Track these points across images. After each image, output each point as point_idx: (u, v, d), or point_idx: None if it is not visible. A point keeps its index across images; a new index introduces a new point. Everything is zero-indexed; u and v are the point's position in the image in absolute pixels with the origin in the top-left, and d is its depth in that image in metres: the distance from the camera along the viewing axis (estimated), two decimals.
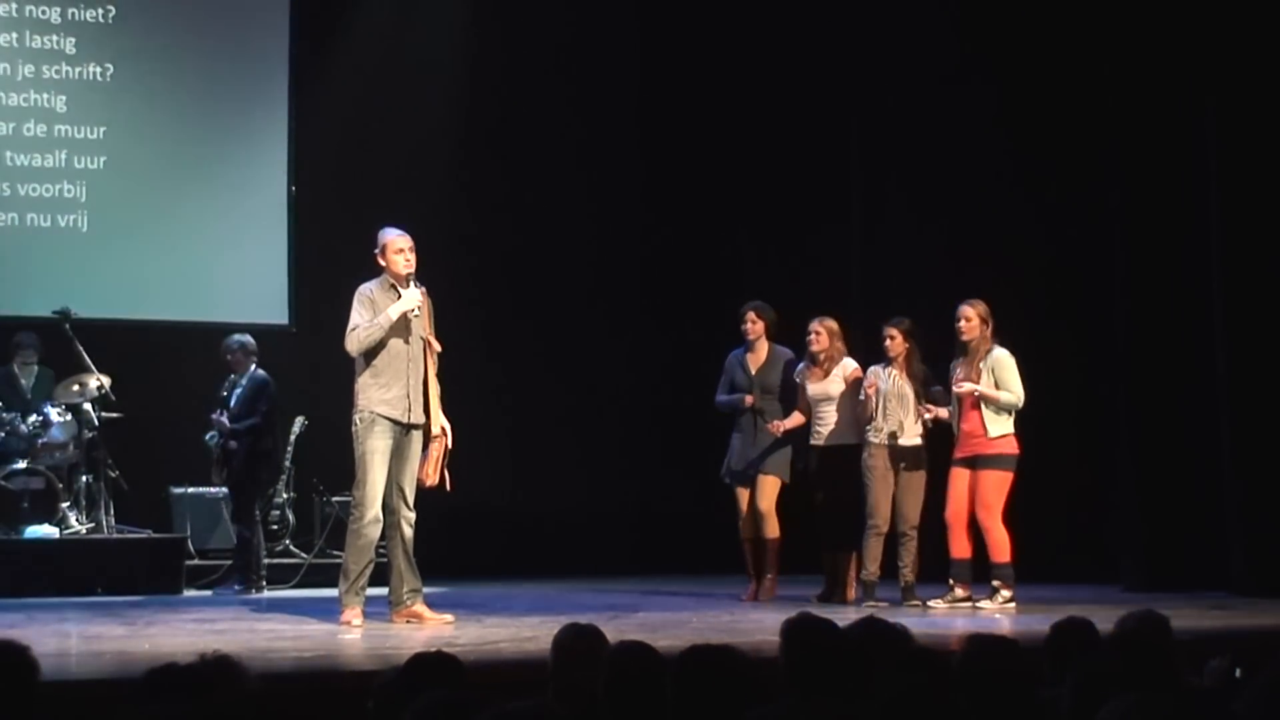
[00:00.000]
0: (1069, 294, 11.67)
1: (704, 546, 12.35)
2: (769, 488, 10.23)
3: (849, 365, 10.09)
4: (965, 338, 9.59)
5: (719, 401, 10.54)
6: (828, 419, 10.06)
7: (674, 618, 8.76)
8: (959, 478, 9.59)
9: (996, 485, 9.49)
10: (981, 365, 9.51)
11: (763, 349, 10.40)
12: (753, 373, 10.36)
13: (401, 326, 8.49)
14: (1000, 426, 9.50)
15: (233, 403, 11.30)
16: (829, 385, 10.04)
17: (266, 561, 11.46)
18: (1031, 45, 11.72)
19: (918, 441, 9.77)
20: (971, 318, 9.56)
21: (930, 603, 9.55)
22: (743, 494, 10.34)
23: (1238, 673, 4.44)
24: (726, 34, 13.30)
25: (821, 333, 10.08)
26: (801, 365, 10.20)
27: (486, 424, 11.68)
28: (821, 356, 10.09)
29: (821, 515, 10.15)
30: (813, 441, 10.12)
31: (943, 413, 9.63)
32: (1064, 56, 11.56)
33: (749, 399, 10.28)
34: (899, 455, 9.78)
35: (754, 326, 10.36)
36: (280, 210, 12.70)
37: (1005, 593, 9.40)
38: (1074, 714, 3.65)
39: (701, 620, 8.66)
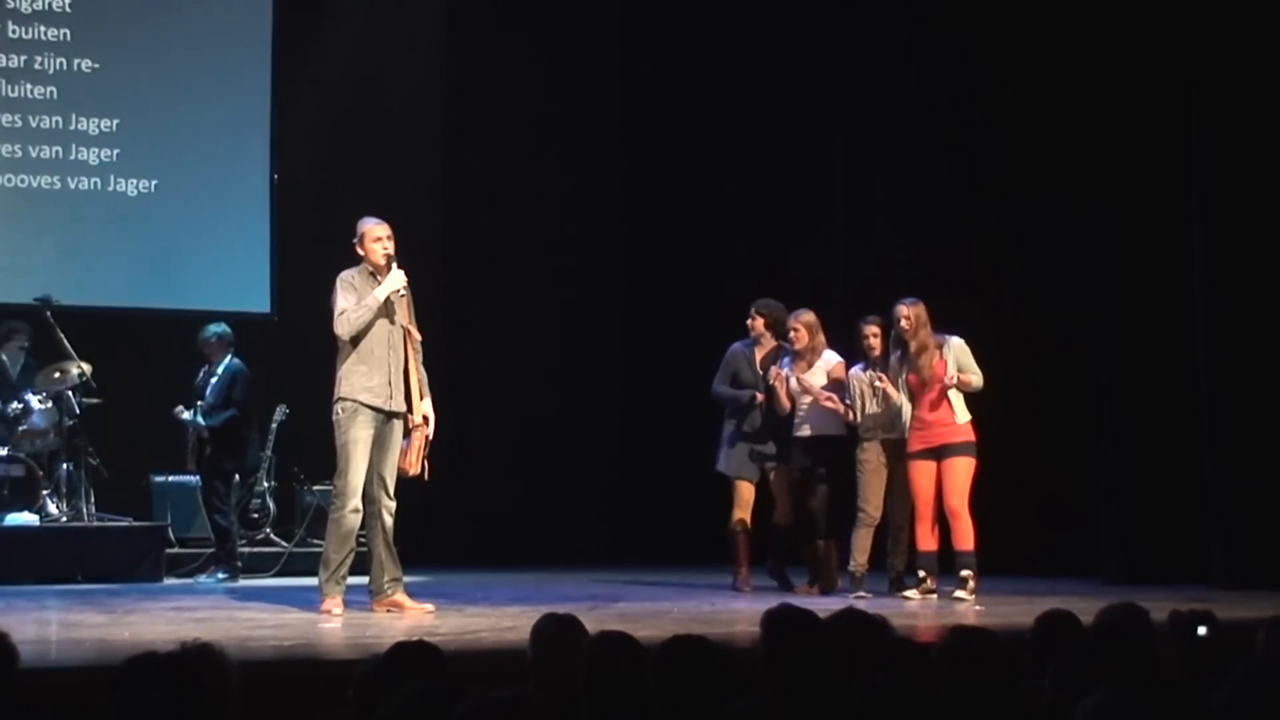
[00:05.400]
0: (1053, 286, 11.66)
1: (685, 537, 12.36)
2: (784, 477, 10.27)
3: (831, 359, 10.11)
4: (906, 338, 9.67)
5: (719, 393, 10.49)
6: (806, 411, 10.07)
7: (654, 608, 8.75)
8: (923, 470, 9.64)
9: (966, 472, 9.58)
10: (945, 356, 9.59)
11: (769, 344, 10.41)
12: (759, 369, 10.36)
13: (384, 314, 8.49)
14: (966, 412, 9.64)
15: (208, 393, 11.28)
16: (810, 378, 10.05)
17: (247, 550, 11.48)
18: (1018, 47, 11.70)
19: (901, 434, 9.79)
20: (910, 316, 9.63)
21: (905, 594, 9.58)
22: (747, 487, 10.32)
23: (1201, 630, 4.45)
24: (710, 27, 13.28)
25: (800, 329, 10.12)
26: (787, 360, 10.21)
27: (467, 414, 11.66)
28: (803, 352, 10.11)
29: (805, 506, 10.16)
30: (796, 433, 10.13)
31: (894, 392, 9.67)
32: (1050, 58, 11.55)
33: (760, 396, 10.26)
34: (891, 449, 9.80)
35: (753, 323, 10.40)
36: (262, 198, 12.69)
37: (972, 583, 9.44)
38: (1054, 706, 3.65)
39: (682, 610, 8.65)
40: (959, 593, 9.40)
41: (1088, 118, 11.25)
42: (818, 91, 12.98)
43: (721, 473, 10.45)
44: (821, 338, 10.20)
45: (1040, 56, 11.59)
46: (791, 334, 10.15)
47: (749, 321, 10.45)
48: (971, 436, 9.62)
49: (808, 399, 10.06)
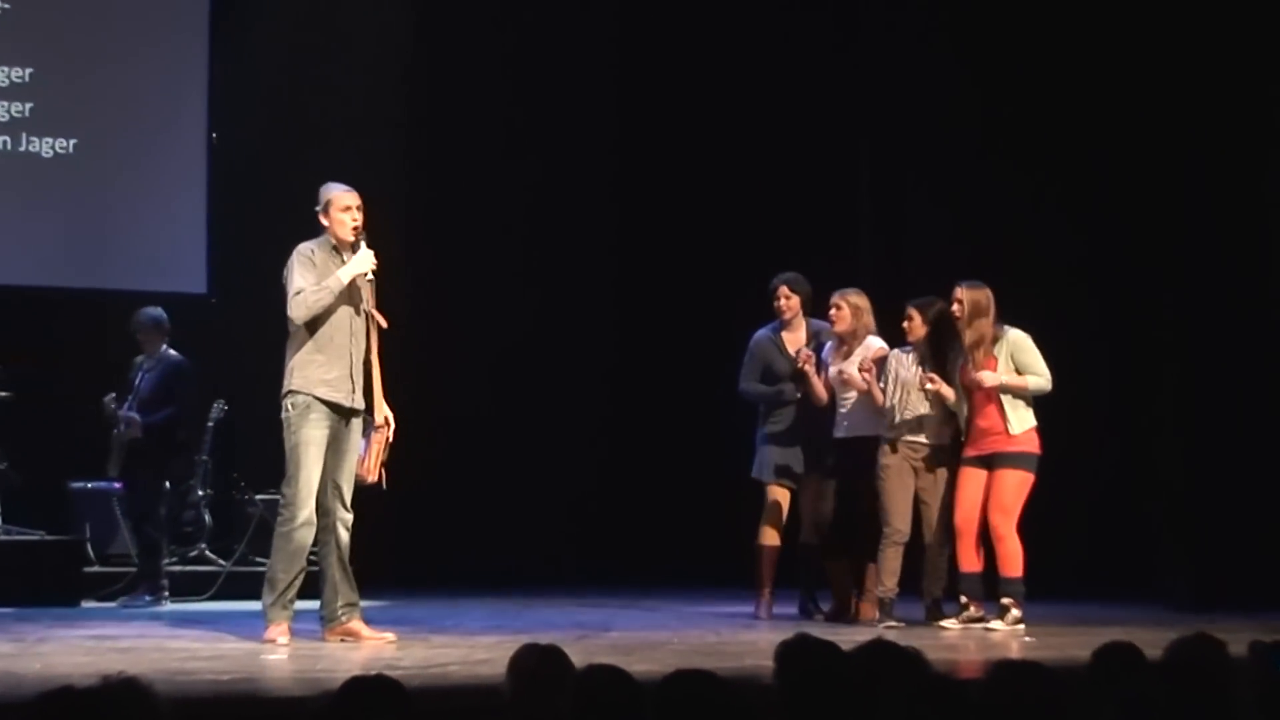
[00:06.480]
0: (1113, 280, 11.67)
1: (688, 556, 12.35)
2: (815, 488, 10.23)
3: (873, 345, 10.04)
4: (959, 326, 9.59)
5: (749, 392, 10.43)
6: (848, 407, 10.01)
7: (652, 638, 8.77)
8: (971, 479, 9.58)
9: (1016, 487, 9.50)
10: (997, 351, 9.52)
11: (800, 327, 10.32)
12: (793, 356, 10.28)
13: (347, 296, 8.47)
14: (1023, 420, 9.52)
15: (140, 388, 11.24)
16: (850, 368, 9.98)
17: (178, 569, 11.47)
18: (1067, 24, 11.78)
19: (944, 440, 9.74)
20: (962, 300, 9.56)
21: (943, 623, 9.58)
22: (780, 493, 10.28)
23: None
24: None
25: (843, 308, 10.02)
26: (828, 345, 10.17)
27: (435, 415, 11.66)
28: (845, 335, 10.06)
29: (837, 519, 10.13)
30: (834, 434, 10.08)
31: (948, 391, 9.60)
32: (1106, 31, 11.61)
33: (821, 392, 10.19)
34: (921, 454, 9.78)
35: (789, 303, 10.29)
36: (198, 161, 12.66)
37: (1016, 611, 9.42)
38: None
39: (684, 641, 8.67)
40: (994, 623, 9.39)
41: (1150, 94, 11.30)
42: (841, 67, 12.96)
43: (756, 479, 10.39)
44: (869, 321, 10.10)
45: (1095, 29, 11.63)
46: (832, 312, 10.05)
47: (780, 302, 10.31)
48: (1030, 448, 9.51)
49: (851, 393, 9.98)
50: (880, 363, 9.89)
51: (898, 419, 9.78)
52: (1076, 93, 11.74)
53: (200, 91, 12.67)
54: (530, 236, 13.45)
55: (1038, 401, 9.59)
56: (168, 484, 11.51)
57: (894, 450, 9.78)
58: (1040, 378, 9.55)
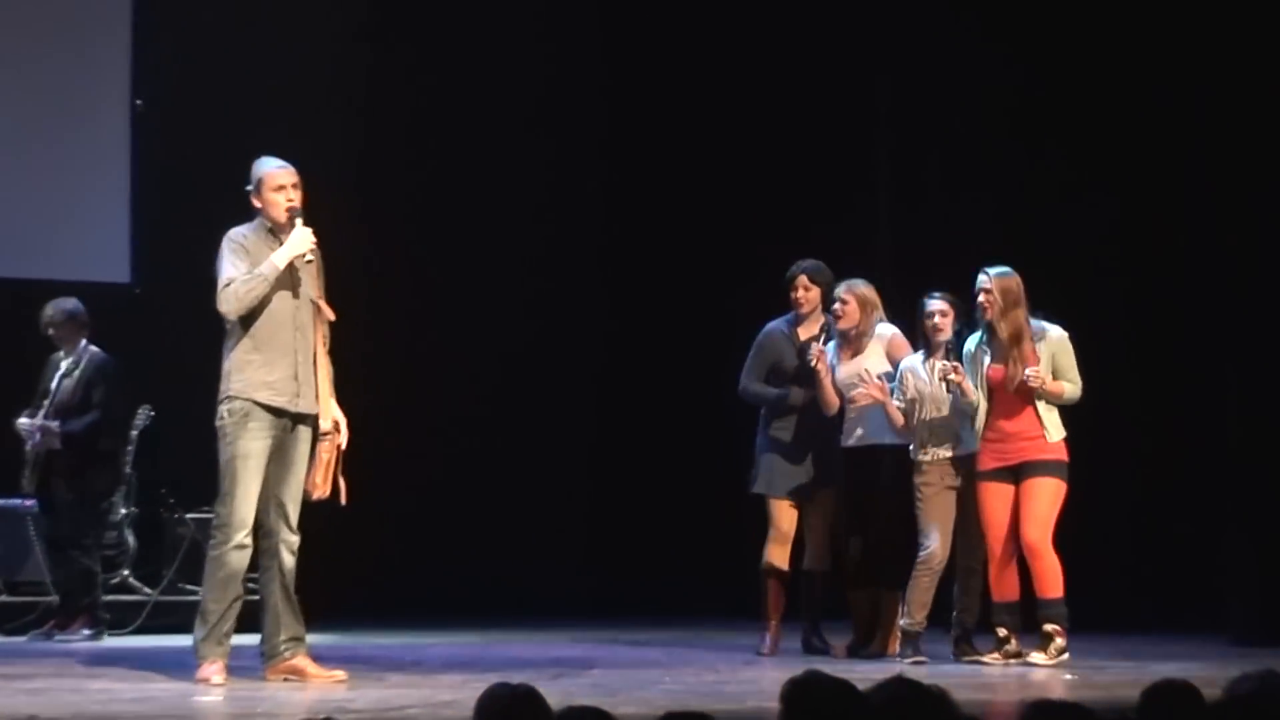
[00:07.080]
0: (1166, 270, 11.68)
1: (677, 584, 12.35)
2: (824, 506, 10.21)
3: (886, 333, 10.02)
4: (988, 316, 9.58)
5: (749, 391, 10.37)
6: (860, 412, 9.98)
7: (639, 676, 8.78)
8: (998, 496, 9.56)
9: (1052, 497, 9.52)
10: (1038, 349, 9.51)
11: (817, 322, 10.26)
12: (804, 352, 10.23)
13: (287, 284, 8.41)
14: (1058, 427, 9.54)
15: (58, 392, 11.20)
16: (861, 366, 9.97)
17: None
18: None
19: (973, 447, 9.70)
20: (992, 290, 9.55)
21: (985, 658, 9.56)
22: (785, 510, 10.23)
23: None
24: None
25: (849, 302, 9.99)
26: (833, 343, 10.14)
27: (392, 423, 11.65)
28: (852, 333, 10.04)
29: (850, 540, 10.10)
30: (842, 441, 10.06)
31: (969, 387, 9.56)
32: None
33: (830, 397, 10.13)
34: (957, 469, 9.76)
35: (808, 294, 10.24)
36: (120, 132, 12.66)
37: (1060, 641, 9.40)
38: None
39: (676, 679, 8.66)
40: (1036, 655, 9.38)
41: (1202, 69, 11.36)
42: (859, 42, 13.01)
43: (759, 494, 10.31)
44: (879, 316, 10.07)
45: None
46: (837, 306, 10.03)
47: (799, 293, 10.24)
48: (1062, 456, 9.53)
49: (862, 394, 9.95)
50: (892, 367, 9.90)
51: (922, 436, 9.76)
52: (1116, 63, 11.78)
53: (123, 53, 12.67)
54: (513, 220, 13.48)
55: (1073, 407, 9.60)
56: (108, 503, 11.53)
57: (930, 468, 9.75)
58: (1076, 386, 9.57)
